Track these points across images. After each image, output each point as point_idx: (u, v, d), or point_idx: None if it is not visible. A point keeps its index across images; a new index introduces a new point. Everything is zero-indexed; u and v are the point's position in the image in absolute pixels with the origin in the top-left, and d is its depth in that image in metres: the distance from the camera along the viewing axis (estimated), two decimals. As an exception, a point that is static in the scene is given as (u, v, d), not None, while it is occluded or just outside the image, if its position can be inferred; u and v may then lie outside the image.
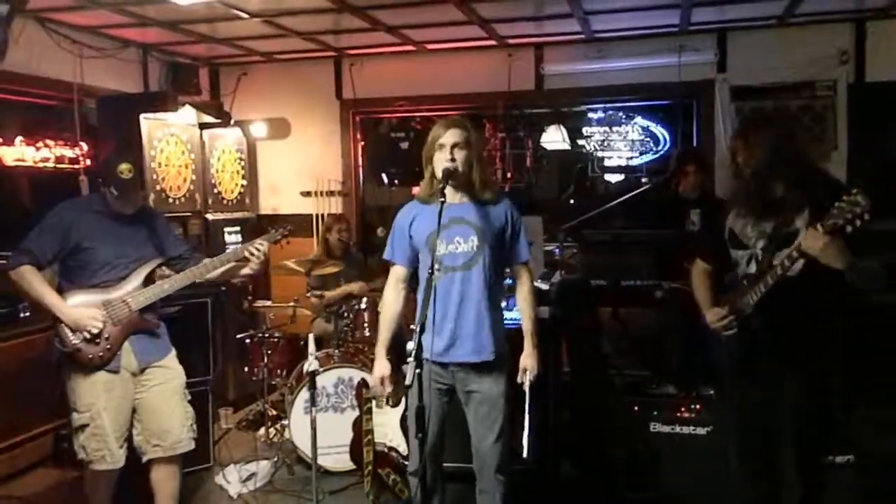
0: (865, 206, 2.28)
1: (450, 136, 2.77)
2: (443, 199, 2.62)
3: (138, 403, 3.26)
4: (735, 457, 2.86)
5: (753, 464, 2.80)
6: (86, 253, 3.12)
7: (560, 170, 7.13)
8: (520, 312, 2.99)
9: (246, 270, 3.43)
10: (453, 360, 2.80)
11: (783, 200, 2.61)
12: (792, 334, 2.62)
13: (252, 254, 3.29)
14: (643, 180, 6.34)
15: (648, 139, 5.90)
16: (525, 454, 2.72)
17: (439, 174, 2.77)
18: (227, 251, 3.37)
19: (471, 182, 2.83)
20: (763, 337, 2.66)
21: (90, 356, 3.08)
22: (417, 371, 2.24)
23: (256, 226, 5.98)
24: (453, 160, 2.75)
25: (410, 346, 2.28)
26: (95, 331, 3.05)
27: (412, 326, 2.34)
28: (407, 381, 2.22)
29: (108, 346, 3.10)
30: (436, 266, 2.48)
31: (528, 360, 2.89)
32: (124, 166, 3.13)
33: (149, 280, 3.21)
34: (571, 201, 7.00)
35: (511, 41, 5.67)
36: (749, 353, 2.72)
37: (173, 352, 3.39)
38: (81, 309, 3.06)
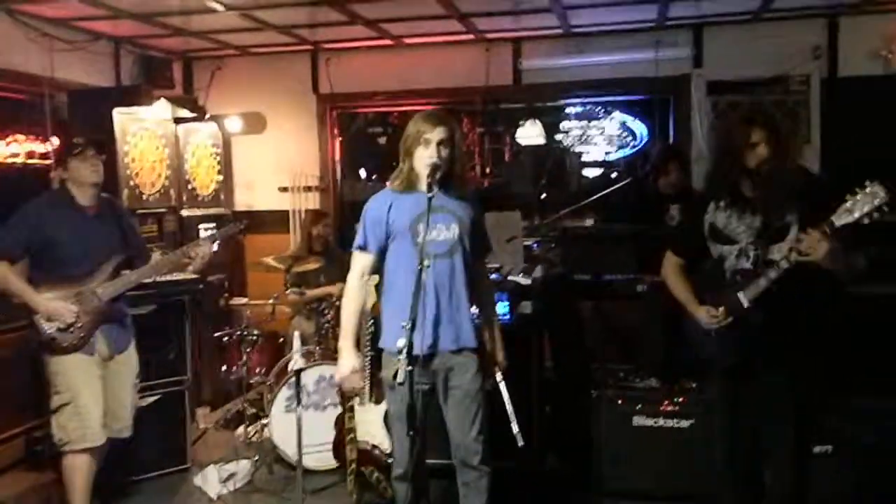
0: (884, 197, 2.30)
1: (437, 133, 2.73)
2: (431, 195, 2.60)
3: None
4: (723, 456, 2.85)
5: (741, 463, 2.81)
6: (55, 247, 3.30)
7: (538, 165, 7.13)
8: (484, 305, 3.01)
9: (189, 268, 3.62)
10: (437, 350, 2.76)
11: (778, 195, 2.60)
12: (791, 328, 2.62)
13: (197, 254, 3.48)
14: (612, 176, 6.37)
15: (626, 134, 5.93)
16: (520, 443, 2.71)
17: (421, 169, 2.74)
18: (175, 251, 3.61)
19: (450, 176, 2.81)
20: (763, 332, 2.64)
21: (65, 344, 3.29)
22: (409, 368, 2.21)
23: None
24: (440, 157, 2.72)
25: (401, 342, 2.25)
26: (70, 320, 3.26)
27: (402, 324, 2.30)
28: (399, 379, 2.19)
29: (82, 335, 3.31)
30: (425, 261, 2.45)
31: (499, 352, 2.94)
32: (76, 140, 3.40)
33: (116, 272, 3.39)
34: (543, 195, 7.01)
35: (489, 36, 5.65)
36: (747, 349, 2.69)
37: (134, 342, 3.62)
38: (55, 301, 3.26)
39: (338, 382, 2.99)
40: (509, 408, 2.77)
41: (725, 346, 2.75)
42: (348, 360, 2.89)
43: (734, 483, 2.85)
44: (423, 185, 2.68)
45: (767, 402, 2.71)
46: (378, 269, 2.92)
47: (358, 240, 2.92)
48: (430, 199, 2.59)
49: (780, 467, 2.76)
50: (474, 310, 2.90)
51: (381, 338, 2.86)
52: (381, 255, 2.87)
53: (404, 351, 2.24)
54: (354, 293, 2.92)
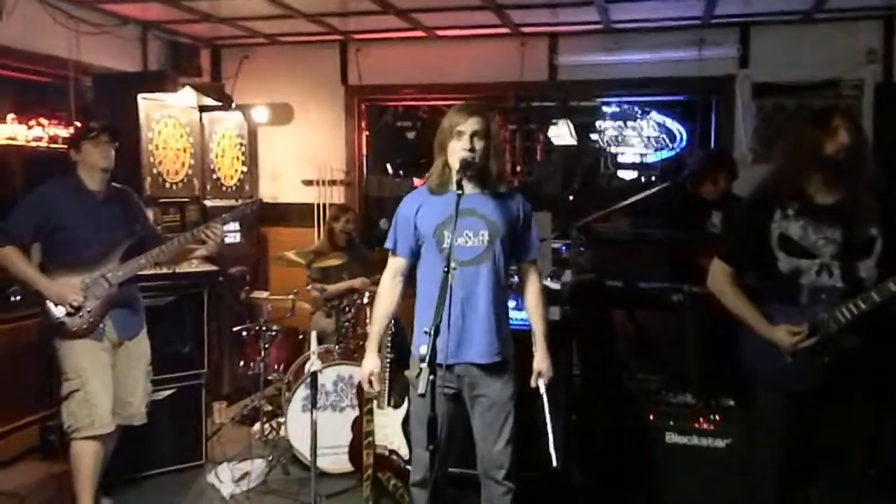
0: None
1: (470, 124, 2.59)
2: (460, 192, 2.44)
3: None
4: (774, 479, 2.64)
5: (795, 486, 2.64)
6: (65, 232, 3.29)
7: (571, 165, 6.92)
8: (529, 313, 2.84)
9: (202, 252, 3.64)
10: (460, 361, 2.63)
11: (862, 200, 2.41)
12: (878, 354, 2.45)
13: (208, 236, 3.43)
14: (649, 179, 6.13)
15: (664, 136, 5.69)
16: (554, 463, 2.54)
17: (454, 163, 2.60)
18: (185, 234, 3.51)
19: (486, 173, 2.67)
20: (854, 358, 2.44)
21: (74, 328, 3.27)
22: (431, 378, 2.05)
23: (256, 213, 5.79)
24: (472, 150, 2.57)
25: (423, 350, 2.10)
26: (77, 304, 3.24)
27: (425, 330, 2.14)
28: (420, 390, 2.04)
29: (91, 319, 3.29)
30: (452, 264, 2.29)
31: (542, 363, 2.75)
32: (92, 124, 3.41)
33: (126, 256, 3.37)
34: (575, 197, 6.79)
35: (525, 29, 5.47)
36: (831, 375, 2.47)
37: (145, 328, 3.57)
38: (62, 284, 3.25)
39: (362, 381, 2.84)
40: (549, 422, 2.59)
41: (805, 371, 2.51)
42: (368, 364, 2.78)
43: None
44: (455, 184, 2.52)
45: (841, 432, 2.50)
46: (413, 270, 2.80)
47: (388, 241, 2.82)
48: (458, 197, 2.43)
49: (841, 496, 2.57)
50: (520, 314, 2.72)
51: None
52: (416, 256, 2.76)
53: (426, 359, 2.07)
54: (385, 295, 2.82)
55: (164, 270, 3.97)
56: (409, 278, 2.85)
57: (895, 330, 2.53)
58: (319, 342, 4.32)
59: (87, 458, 3.34)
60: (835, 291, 2.45)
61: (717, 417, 3.43)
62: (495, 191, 2.68)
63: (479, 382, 2.66)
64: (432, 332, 2.10)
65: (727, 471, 3.31)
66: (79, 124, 4.63)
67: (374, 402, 3.68)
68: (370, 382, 2.78)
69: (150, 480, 3.99)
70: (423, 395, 2.03)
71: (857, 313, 2.39)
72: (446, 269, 2.26)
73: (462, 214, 2.48)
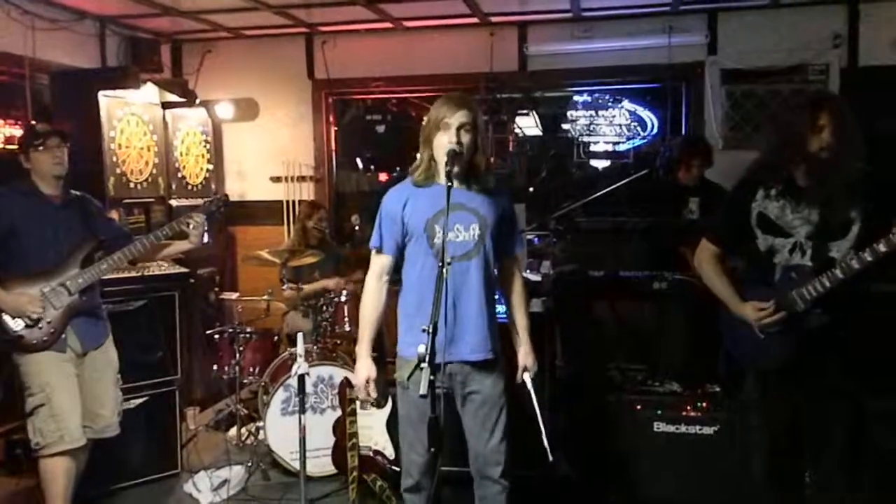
0: None
1: (457, 117, 2.51)
2: (450, 184, 2.37)
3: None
4: (763, 462, 2.67)
5: (784, 468, 2.65)
6: (20, 238, 3.13)
7: (544, 155, 6.89)
8: (512, 307, 2.79)
9: (186, 245, 3.41)
10: (452, 359, 2.55)
11: (835, 186, 2.43)
12: (847, 330, 2.47)
13: (189, 225, 3.29)
14: (623, 168, 6.12)
15: (635, 124, 5.69)
16: (550, 457, 2.49)
17: (441, 157, 2.53)
18: (151, 234, 3.32)
19: (473, 167, 2.60)
20: (822, 334, 2.47)
21: (34, 341, 3.11)
22: (431, 378, 1.99)
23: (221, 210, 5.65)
24: (459, 143, 2.50)
25: (421, 349, 2.02)
26: (36, 316, 3.08)
27: (423, 328, 2.07)
28: (422, 391, 1.96)
29: (52, 331, 3.12)
30: (446, 259, 2.22)
31: (528, 358, 2.71)
32: (38, 128, 3.23)
33: (86, 262, 3.21)
34: (548, 187, 6.76)
35: (494, 19, 5.41)
36: (801, 352, 2.51)
37: (111, 336, 3.41)
38: (18, 295, 3.07)
39: (358, 388, 2.73)
40: (539, 417, 2.54)
41: (775, 347, 2.55)
42: (363, 370, 2.67)
43: (778, 487, 2.67)
44: (443, 178, 2.45)
45: (822, 411, 2.54)
46: (398, 268, 2.70)
47: (373, 240, 2.70)
48: (448, 189, 2.36)
49: (828, 472, 2.59)
50: (501, 308, 2.70)
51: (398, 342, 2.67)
52: (402, 253, 2.66)
53: (426, 359, 2.00)
54: (372, 296, 2.70)
55: (134, 274, 3.83)
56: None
57: (865, 308, 2.59)
58: (295, 341, 4.23)
59: (58, 475, 3.18)
60: (805, 270, 2.50)
61: (704, 405, 3.43)
62: (483, 186, 2.61)
63: (472, 379, 2.60)
64: (430, 330, 2.03)
65: (716, 457, 3.32)
66: (33, 123, 4.46)
67: (357, 402, 3.60)
68: (367, 387, 2.68)
69: (124, 492, 3.85)
70: (424, 396, 1.96)
71: (823, 291, 2.43)
72: (441, 265, 2.19)
73: (452, 209, 2.41)
